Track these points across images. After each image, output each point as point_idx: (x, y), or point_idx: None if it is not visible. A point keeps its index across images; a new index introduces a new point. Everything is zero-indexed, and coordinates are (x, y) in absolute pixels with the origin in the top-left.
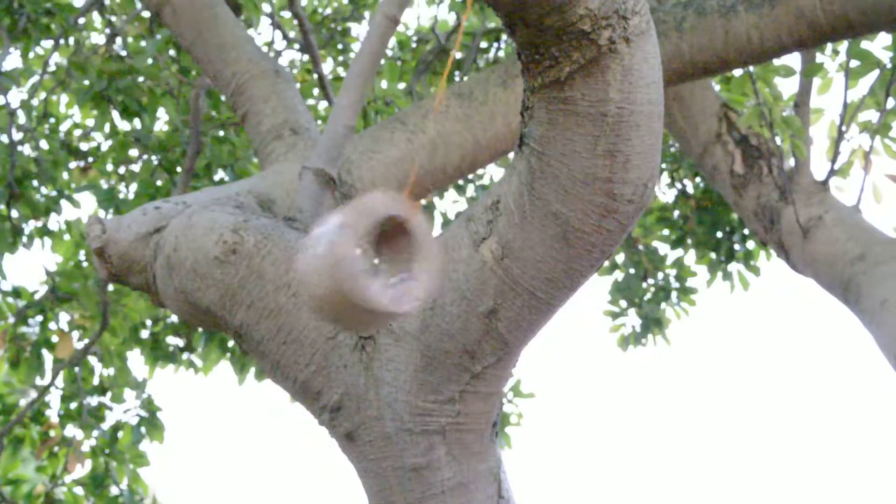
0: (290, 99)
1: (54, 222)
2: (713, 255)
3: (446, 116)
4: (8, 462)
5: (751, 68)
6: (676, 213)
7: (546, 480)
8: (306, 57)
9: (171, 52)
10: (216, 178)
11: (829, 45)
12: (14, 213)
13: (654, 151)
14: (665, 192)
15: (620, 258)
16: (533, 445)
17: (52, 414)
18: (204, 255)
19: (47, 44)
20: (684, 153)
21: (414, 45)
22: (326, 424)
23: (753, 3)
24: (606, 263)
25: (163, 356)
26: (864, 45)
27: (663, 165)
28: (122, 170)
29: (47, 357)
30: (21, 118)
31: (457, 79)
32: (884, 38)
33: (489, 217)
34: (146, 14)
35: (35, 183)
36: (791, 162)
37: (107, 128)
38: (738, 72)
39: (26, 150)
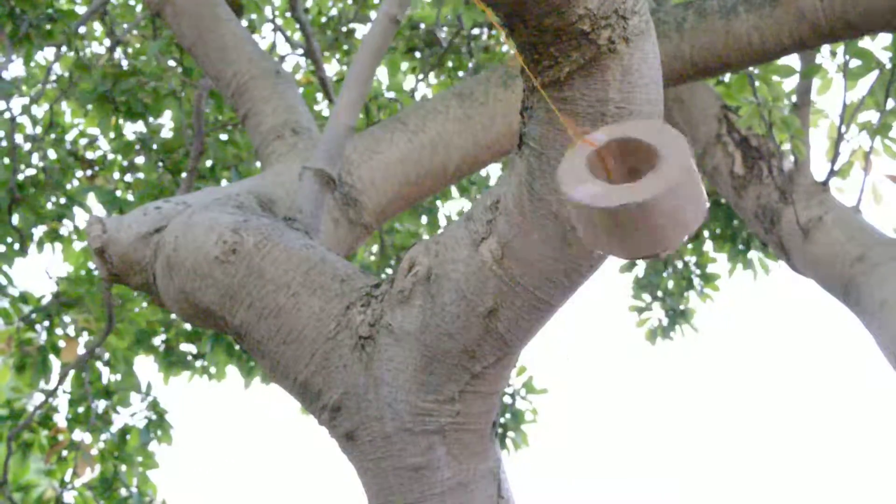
0: (291, 99)
1: (65, 229)
2: (731, 247)
3: (447, 117)
4: (18, 467)
5: (750, 69)
6: None
7: (568, 475)
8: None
9: (174, 55)
10: (222, 180)
11: (828, 46)
12: (17, 218)
13: None
14: None
15: None
16: (553, 441)
17: (60, 419)
18: (204, 255)
19: (50, 52)
20: None
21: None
22: (326, 424)
23: (754, 3)
24: (626, 259)
25: (176, 363)
26: (864, 44)
27: None
28: (129, 177)
29: (54, 362)
30: (28, 127)
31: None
32: (884, 38)
33: (489, 217)
34: (148, 20)
35: (42, 190)
36: (791, 163)
37: (110, 131)
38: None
39: (34, 158)
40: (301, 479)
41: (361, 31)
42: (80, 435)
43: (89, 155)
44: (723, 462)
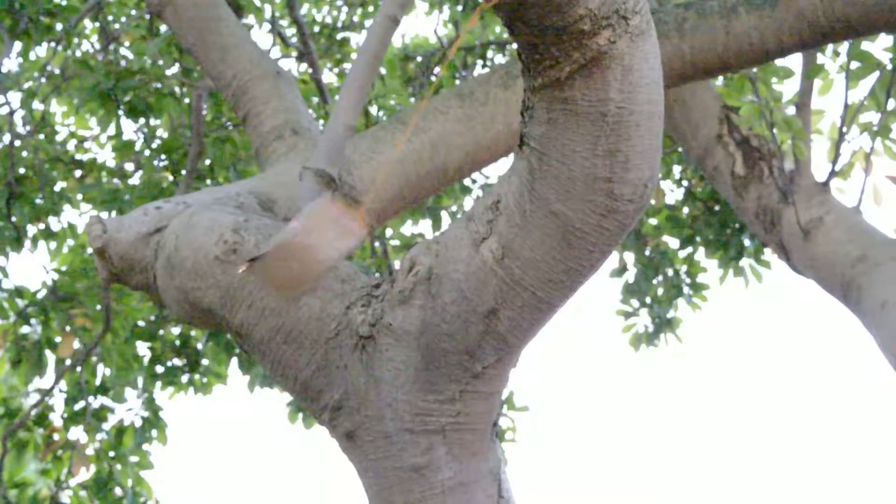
0: (291, 100)
1: (55, 224)
2: (723, 253)
3: (447, 117)
4: (13, 466)
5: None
6: (686, 210)
7: (557, 480)
8: (304, 65)
9: (173, 55)
10: (221, 180)
11: (830, 47)
12: (15, 214)
13: (654, 151)
14: (673, 191)
15: (630, 259)
16: (543, 445)
17: (56, 417)
18: (204, 255)
19: (42, 51)
20: (685, 154)
21: (419, 59)
22: (326, 424)
23: (754, 4)
24: (617, 265)
25: (163, 377)
26: (865, 46)
27: (672, 165)
28: (122, 179)
29: (49, 358)
30: (19, 125)
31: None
32: (884, 39)
33: (489, 217)
34: (144, 17)
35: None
36: (792, 163)
37: (111, 128)
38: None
39: (23, 154)
40: (301, 479)
41: (355, 38)
42: (75, 433)
43: (79, 156)
44: (719, 460)
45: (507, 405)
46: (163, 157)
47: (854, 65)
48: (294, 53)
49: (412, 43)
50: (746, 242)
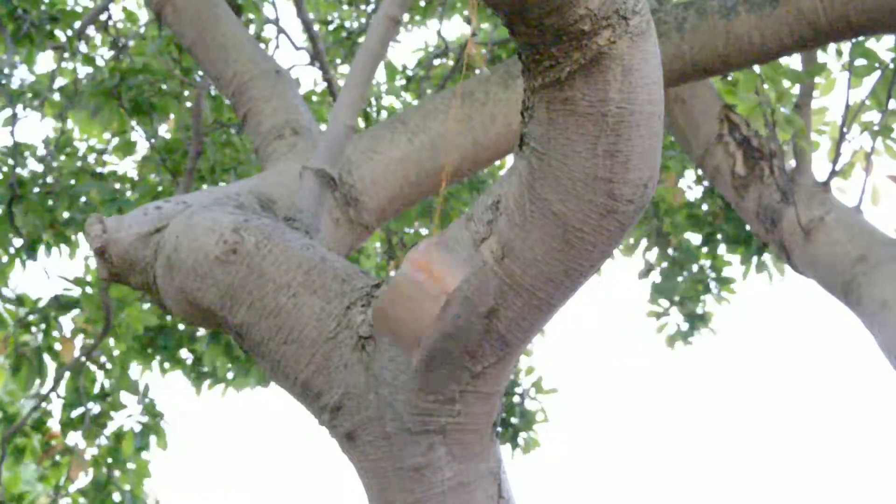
0: (291, 99)
1: (72, 232)
2: (744, 249)
3: (447, 116)
4: (11, 477)
5: (757, 68)
6: (705, 206)
7: (578, 477)
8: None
9: (172, 54)
10: (220, 182)
11: (833, 45)
12: (20, 220)
13: (654, 151)
14: (691, 188)
15: (653, 256)
16: (564, 443)
17: (54, 423)
18: (204, 255)
19: (48, 58)
20: (685, 154)
21: (434, 63)
22: (326, 424)
23: (754, 3)
24: (643, 266)
25: (173, 360)
26: (869, 44)
27: (690, 162)
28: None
29: (49, 364)
30: (39, 148)
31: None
32: (888, 38)
33: (489, 217)
34: (153, 26)
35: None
36: (792, 163)
37: (112, 128)
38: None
39: (48, 178)
40: (301, 479)
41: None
42: (73, 438)
43: (100, 170)
44: (725, 462)
45: (535, 389)
46: (164, 157)
47: (857, 62)
48: (304, 56)
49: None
50: None
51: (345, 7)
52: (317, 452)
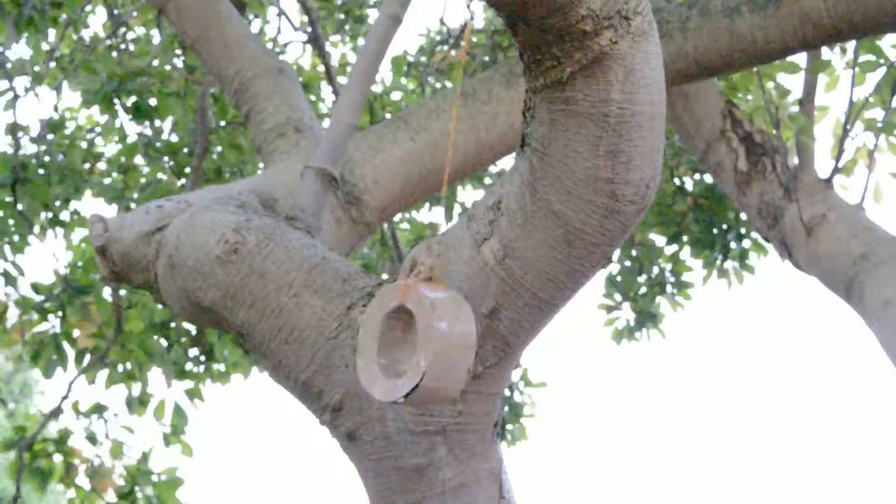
0: (294, 97)
1: (65, 214)
2: (708, 253)
3: (449, 116)
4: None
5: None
6: (675, 205)
7: (546, 476)
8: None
9: (176, 52)
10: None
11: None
12: (22, 202)
13: (656, 152)
14: (667, 181)
15: (615, 253)
16: (537, 441)
17: (76, 440)
18: (206, 255)
19: (50, 37)
20: (688, 149)
21: (438, 49)
22: (328, 424)
23: (758, 3)
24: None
25: (178, 372)
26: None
27: (667, 159)
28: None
29: (69, 353)
30: (33, 126)
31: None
32: (891, 37)
33: (491, 217)
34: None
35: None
36: (795, 159)
37: (114, 133)
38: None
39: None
40: (301, 479)
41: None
42: (94, 451)
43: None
44: (715, 458)
45: (523, 381)
46: (167, 158)
47: (863, 57)
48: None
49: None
50: (732, 244)
51: None
52: (317, 452)
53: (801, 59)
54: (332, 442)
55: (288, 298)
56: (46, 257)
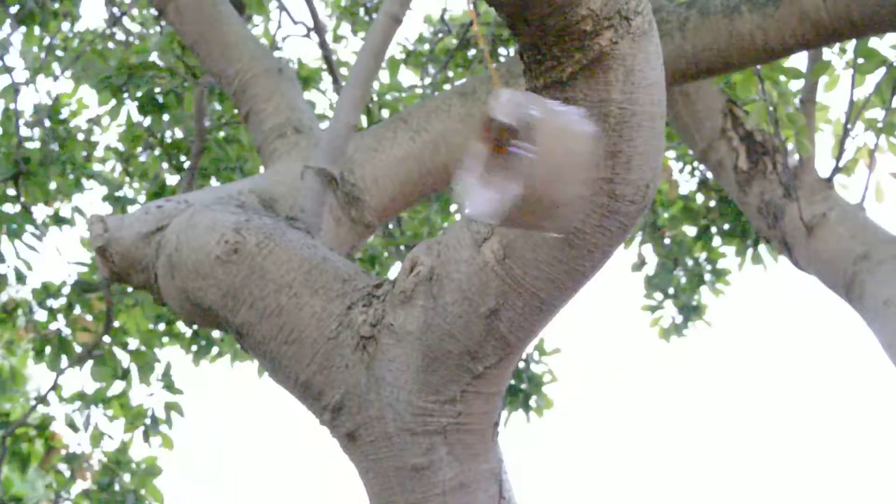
0: (293, 97)
1: (67, 210)
2: (740, 241)
3: (449, 115)
4: (10, 479)
5: (757, 67)
6: (700, 199)
7: (568, 469)
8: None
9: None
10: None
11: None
12: (23, 194)
13: (656, 152)
14: (688, 180)
15: (648, 252)
16: (561, 436)
17: (57, 426)
18: (206, 255)
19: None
20: (688, 148)
21: (434, 38)
22: (328, 424)
23: (757, 3)
24: (636, 259)
25: (171, 335)
26: (873, 42)
27: (686, 154)
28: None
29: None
30: (28, 110)
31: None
32: (892, 36)
33: None
34: None
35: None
36: (796, 158)
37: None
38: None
39: (34, 135)
40: (301, 479)
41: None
42: (76, 439)
43: (84, 137)
44: (719, 459)
45: (538, 351)
46: (167, 155)
47: (860, 61)
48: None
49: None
50: None
51: None
52: (317, 452)
53: (801, 58)
54: (332, 442)
55: (288, 298)
56: (51, 254)
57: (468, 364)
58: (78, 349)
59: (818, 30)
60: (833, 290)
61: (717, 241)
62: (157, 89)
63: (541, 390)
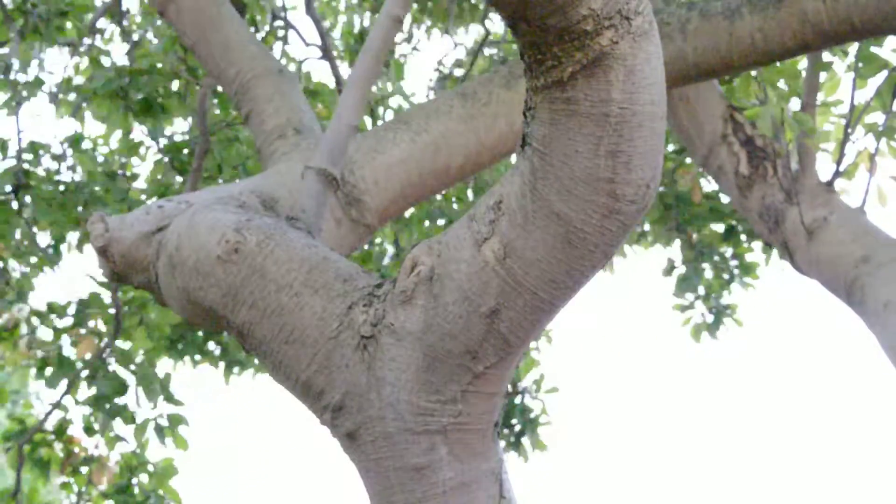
0: (294, 98)
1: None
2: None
3: (449, 117)
4: (33, 484)
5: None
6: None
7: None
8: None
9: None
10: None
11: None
12: (25, 204)
13: (656, 152)
14: (710, 181)
15: (677, 255)
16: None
17: (75, 430)
18: (206, 255)
19: (58, 54)
20: (689, 153)
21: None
22: (328, 424)
23: (758, 5)
24: (665, 264)
25: (202, 353)
26: (873, 47)
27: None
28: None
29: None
30: (55, 146)
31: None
32: (892, 40)
33: (491, 217)
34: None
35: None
36: (796, 163)
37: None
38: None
39: (63, 172)
40: (301, 479)
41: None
42: (94, 442)
43: (120, 172)
44: (717, 461)
45: (536, 387)
46: (169, 157)
47: (861, 63)
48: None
49: None
50: None
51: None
52: (317, 452)
53: (801, 61)
54: (332, 442)
55: (288, 298)
56: (56, 275)
57: (469, 364)
58: (79, 365)
59: (818, 32)
60: (834, 293)
61: (742, 238)
62: (158, 90)
63: (535, 430)
